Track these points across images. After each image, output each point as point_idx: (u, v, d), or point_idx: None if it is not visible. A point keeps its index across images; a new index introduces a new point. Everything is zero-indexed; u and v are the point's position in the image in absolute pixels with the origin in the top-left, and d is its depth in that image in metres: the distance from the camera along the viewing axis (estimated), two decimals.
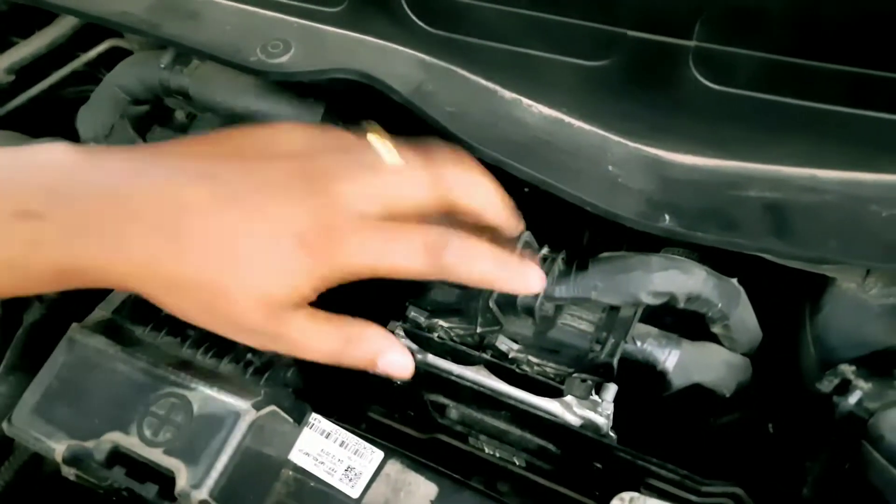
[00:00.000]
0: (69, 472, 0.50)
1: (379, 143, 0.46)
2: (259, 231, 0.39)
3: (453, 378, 0.59)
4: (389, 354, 0.43)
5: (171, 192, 0.39)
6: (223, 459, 0.47)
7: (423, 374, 0.60)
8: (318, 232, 0.40)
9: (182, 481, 0.47)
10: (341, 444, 0.51)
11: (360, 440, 0.51)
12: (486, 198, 0.46)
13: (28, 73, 1.09)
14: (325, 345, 0.42)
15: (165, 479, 0.48)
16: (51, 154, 0.39)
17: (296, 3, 0.60)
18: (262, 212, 0.40)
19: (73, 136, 1.25)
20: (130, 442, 0.48)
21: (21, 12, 1.06)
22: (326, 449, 0.51)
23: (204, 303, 0.39)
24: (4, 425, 0.51)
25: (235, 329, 0.41)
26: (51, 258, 0.37)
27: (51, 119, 1.26)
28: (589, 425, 0.54)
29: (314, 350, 0.42)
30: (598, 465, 0.56)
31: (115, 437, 0.49)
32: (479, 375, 0.58)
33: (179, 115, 1.02)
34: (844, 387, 0.50)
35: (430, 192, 0.44)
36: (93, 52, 1.04)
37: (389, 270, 0.42)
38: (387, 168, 0.45)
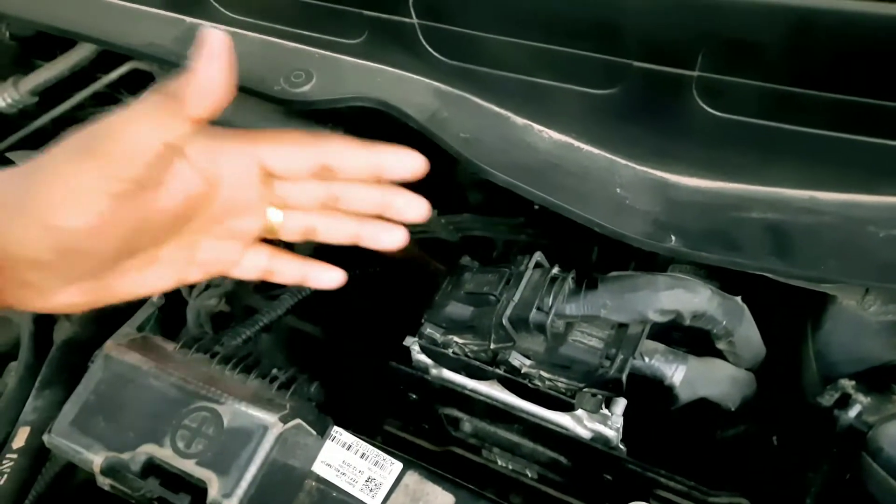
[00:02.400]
0: (104, 483, 0.53)
1: None
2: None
3: (467, 392, 0.60)
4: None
5: None
6: (252, 470, 0.49)
7: (439, 389, 0.62)
8: None
9: (214, 491, 0.49)
10: (362, 456, 0.53)
11: (381, 452, 0.53)
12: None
13: (51, 94, 1.12)
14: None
15: (197, 490, 0.50)
16: None
17: (317, 35, 0.62)
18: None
19: None
20: (164, 454, 0.51)
21: (44, 36, 1.09)
22: (348, 460, 0.53)
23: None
24: (45, 437, 0.54)
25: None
26: None
27: None
28: (599, 438, 0.56)
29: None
30: (609, 477, 0.57)
31: (149, 449, 0.51)
32: (492, 390, 0.59)
33: None
34: (844, 401, 0.51)
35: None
36: (114, 74, 1.07)
37: None
38: None
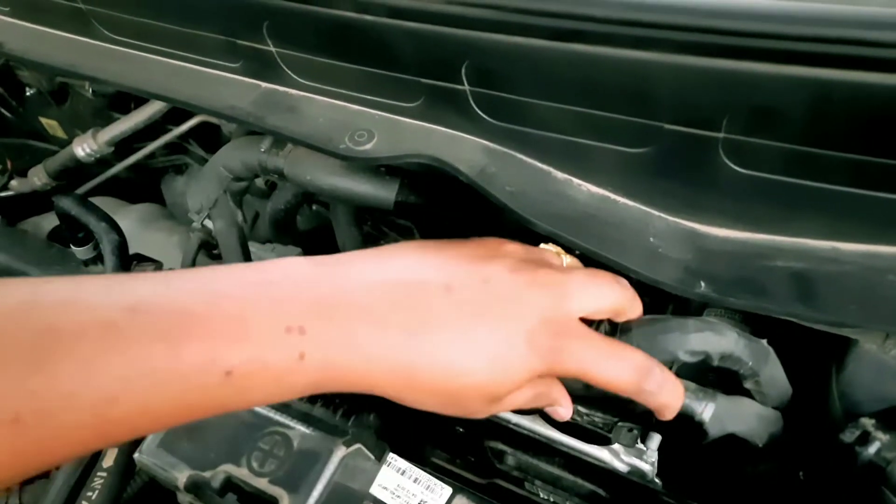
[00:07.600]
0: (185, 500, 0.58)
1: (565, 257, 0.55)
2: (493, 334, 0.44)
3: (511, 426, 0.64)
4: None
5: (412, 298, 0.43)
6: (319, 488, 0.54)
7: (485, 422, 0.66)
8: (548, 334, 0.45)
9: None
10: (415, 481, 0.58)
11: (432, 477, 0.58)
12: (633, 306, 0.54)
13: (126, 144, 1.21)
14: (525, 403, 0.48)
15: None
16: (298, 268, 0.44)
17: (379, 99, 0.68)
18: (496, 316, 0.44)
19: (159, 200, 1.38)
20: (241, 472, 0.56)
21: (122, 92, 1.19)
22: (402, 484, 0.58)
23: (440, 403, 0.45)
24: (136, 456, 0.60)
25: (460, 414, 0.47)
26: (310, 371, 0.41)
27: (142, 185, 1.40)
28: (635, 472, 0.59)
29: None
30: None
31: (228, 469, 0.57)
32: (534, 424, 0.63)
33: (259, 182, 1.13)
34: (865, 438, 0.54)
35: (618, 298, 0.51)
36: (184, 127, 1.16)
37: (597, 378, 0.47)
38: (600, 279, 0.51)
